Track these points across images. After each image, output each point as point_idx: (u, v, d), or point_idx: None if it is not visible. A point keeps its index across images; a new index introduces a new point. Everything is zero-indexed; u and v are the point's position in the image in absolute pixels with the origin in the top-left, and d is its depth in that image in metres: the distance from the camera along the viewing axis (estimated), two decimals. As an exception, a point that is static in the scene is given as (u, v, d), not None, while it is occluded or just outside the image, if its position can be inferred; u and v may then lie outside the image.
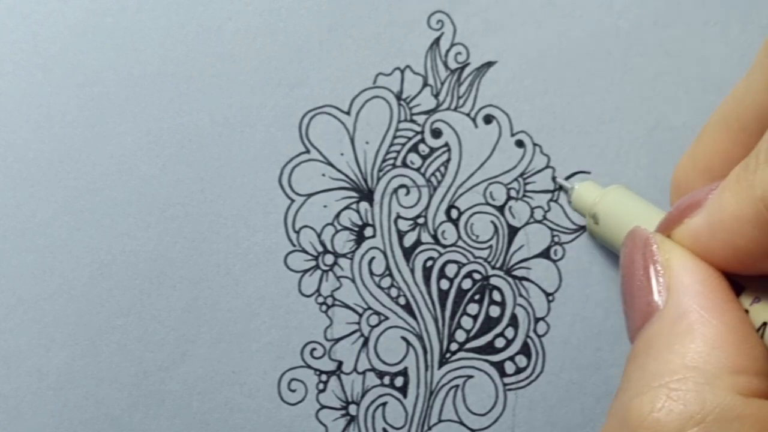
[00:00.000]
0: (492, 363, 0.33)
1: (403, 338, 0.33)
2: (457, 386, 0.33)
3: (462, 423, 0.33)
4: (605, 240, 0.31)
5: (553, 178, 0.33)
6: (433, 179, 0.33)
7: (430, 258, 0.33)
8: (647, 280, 0.24)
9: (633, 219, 0.27)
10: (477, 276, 0.33)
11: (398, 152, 0.33)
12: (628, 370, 0.24)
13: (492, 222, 0.33)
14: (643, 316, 0.24)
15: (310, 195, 0.33)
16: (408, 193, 0.33)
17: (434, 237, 0.33)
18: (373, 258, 0.33)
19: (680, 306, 0.23)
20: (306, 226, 0.33)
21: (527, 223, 0.33)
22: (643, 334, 0.24)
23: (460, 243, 0.33)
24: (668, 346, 0.23)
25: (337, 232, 0.33)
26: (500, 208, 0.33)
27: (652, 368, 0.23)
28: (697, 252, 0.24)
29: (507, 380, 0.33)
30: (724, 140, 0.27)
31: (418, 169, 0.33)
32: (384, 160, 0.33)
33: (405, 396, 0.33)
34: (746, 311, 0.24)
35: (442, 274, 0.33)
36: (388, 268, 0.33)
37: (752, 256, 0.23)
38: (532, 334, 0.33)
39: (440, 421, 0.33)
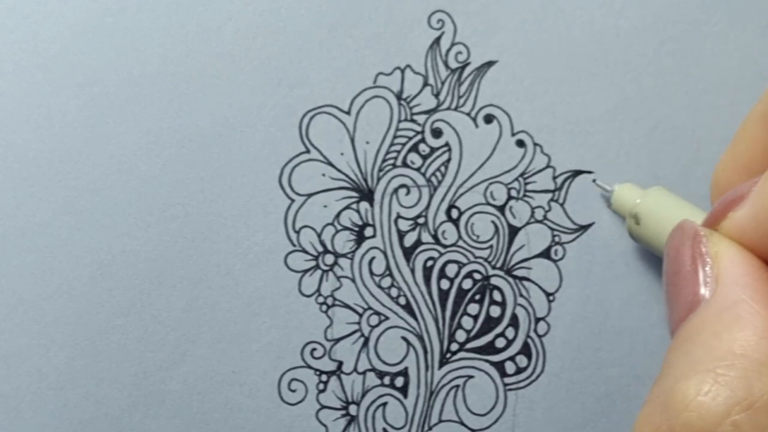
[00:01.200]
0: (492, 363, 0.33)
1: (404, 338, 0.33)
2: (457, 386, 0.33)
3: (462, 423, 0.33)
4: (646, 239, 0.31)
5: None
6: (433, 179, 0.33)
7: (431, 258, 0.33)
8: (694, 272, 0.24)
9: (675, 218, 0.27)
10: (477, 276, 0.33)
11: (398, 152, 0.33)
12: (669, 357, 0.23)
13: (492, 222, 0.33)
14: (689, 307, 0.24)
15: (310, 195, 0.33)
16: (408, 192, 0.33)
17: (435, 237, 0.33)
18: (373, 258, 0.33)
19: (729, 296, 0.23)
20: (306, 226, 0.33)
21: (528, 223, 0.33)
22: (687, 324, 0.24)
23: (460, 243, 0.33)
24: (716, 334, 0.23)
25: (337, 232, 0.33)
26: (501, 208, 0.33)
27: (698, 354, 0.23)
28: (744, 244, 0.24)
29: (507, 380, 0.33)
30: (764, 137, 0.27)
31: (418, 169, 0.33)
32: (384, 160, 0.33)
33: (405, 396, 0.33)
34: None
35: (442, 274, 0.33)
36: (388, 268, 0.33)
37: None
38: (532, 334, 0.33)
39: (440, 421, 0.33)
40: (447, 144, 0.33)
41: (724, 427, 0.21)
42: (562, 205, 0.33)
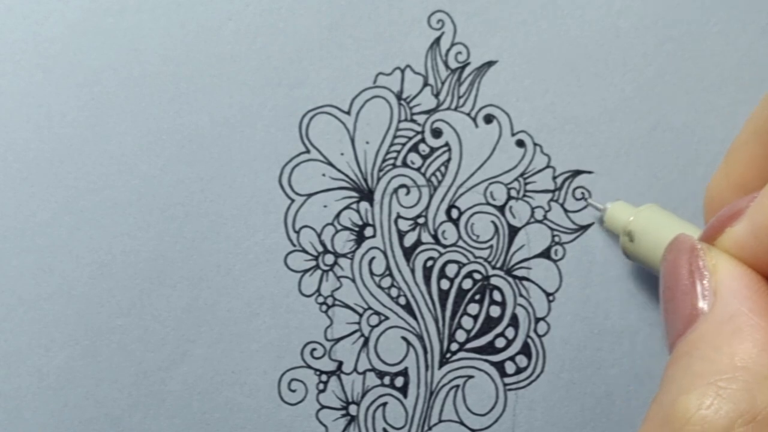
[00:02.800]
0: (492, 363, 0.33)
1: (404, 338, 0.33)
2: (457, 386, 0.33)
3: (462, 423, 0.33)
4: (641, 257, 0.31)
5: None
6: (433, 179, 0.33)
7: (431, 258, 0.33)
8: (692, 285, 0.24)
9: (670, 234, 0.27)
10: (477, 276, 0.33)
11: (398, 152, 0.33)
12: (669, 372, 0.23)
13: (492, 222, 0.33)
14: (687, 321, 0.24)
15: (310, 195, 0.33)
16: (408, 192, 0.33)
17: (434, 237, 0.33)
18: (373, 258, 0.33)
19: (728, 309, 0.23)
20: (306, 226, 0.33)
21: (528, 223, 0.33)
22: (686, 338, 0.24)
23: (460, 243, 0.33)
24: (716, 347, 0.23)
25: (337, 232, 0.33)
26: (501, 208, 0.33)
27: (698, 368, 0.22)
28: (742, 259, 0.24)
29: (507, 380, 0.33)
30: (757, 153, 0.28)
31: (418, 169, 0.33)
32: (384, 160, 0.33)
33: (405, 396, 0.33)
34: None
35: (442, 274, 0.33)
36: (388, 268, 0.33)
37: None
38: (532, 334, 0.33)
39: (440, 421, 0.33)
40: (447, 144, 0.33)
41: None
42: (562, 205, 0.33)
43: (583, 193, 0.33)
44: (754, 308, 0.23)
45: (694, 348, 0.23)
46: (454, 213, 0.33)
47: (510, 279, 0.33)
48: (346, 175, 0.33)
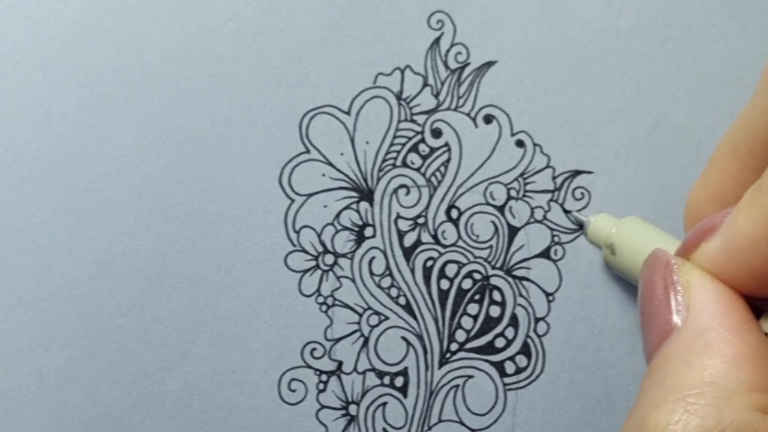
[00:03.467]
0: (492, 363, 0.33)
1: (403, 338, 0.33)
2: (457, 386, 0.33)
3: (462, 423, 0.33)
4: (622, 270, 0.31)
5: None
6: (433, 179, 0.33)
7: (431, 258, 0.33)
8: (667, 300, 0.25)
9: (650, 247, 0.27)
10: (477, 276, 0.33)
11: (398, 152, 0.33)
12: (643, 387, 0.24)
13: (492, 222, 0.33)
14: (661, 335, 0.24)
15: (310, 195, 0.33)
16: (408, 193, 0.33)
17: (434, 237, 0.33)
18: (373, 258, 0.33)
19: (699, 324, 0.24)
20: (306, 226, 0.33)
21: (527, 223, 0.33)
22: (660, 352, 0.24)
23: (460, 243, 0.33)
24: (686, 362, 0.23)
25: (337, 232, 0.33)
26: (500, 208, 0.33)
27: (669, 383, 0.23)
28: (716, 275, 0.25)
29: (507, 380, 0.33)
30: (734, 167, 0.28)
31: (418, 169, 0.33)
32: (384, 160, 0.33)
33: (405, 396, 0.33)
34: (766, 335, 0.24)
35: (442, 274, 0.33)
36: (388, 268, 0.33)
37: None
38: (532, 334, 0.33)
39: (440, 421, 0.33)
40: (447, 144, 0.33)
41: None
42: (561, 205, 0.33)
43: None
44: (725, 324, 0.23)
45: (666, 363, 0.24)
46: (454, 213, 0.33)
47: (510, 279, 0.33)
48: (346, 175, 0.33)
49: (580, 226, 0.33)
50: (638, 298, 0.26)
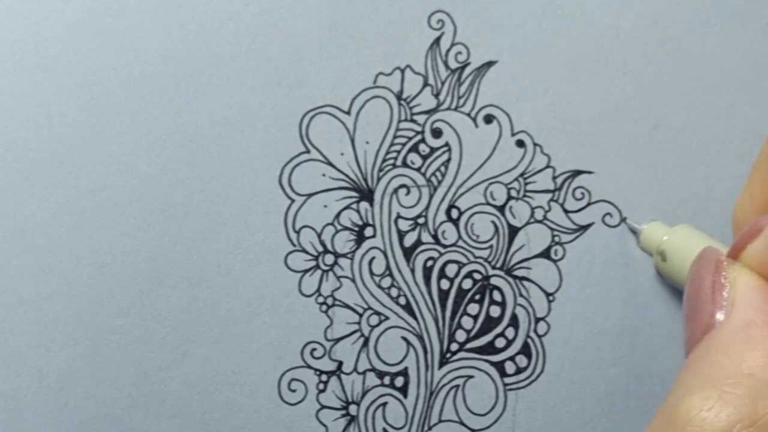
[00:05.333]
0: (492, 363, 0.33)
1: (404, 338, 0.33)
2: (457, 386, 0.33)
3: (462, 423, 0.33)
4: (672, 276, 0.31)
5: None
6: (433, 179, 0.33)
7: (431, 258, 0.33)
8: (713, 296, 0.25)
9: None
10: (477, 276, 0.33)
11: (398, 152, 0.33)
12: (681, 375, 0.24)
13: (492, 222, 0.33)
14: (705, 329, 0.25)
15: (310, 195, 0.33)
16: (408, 193, 0.33)
17: (434, 237, 0.33)
18: (373, 258, 0.33)
19: (743, 318, 0.24)
20: (306, 226, 0.33)
21: (528, 223, 0.33)
22: (701, 344, 0.24)
23: (460, 243, 0.33)
24: (726, 353, 0.23)
25: (337, 232, 0.33)
26: (501, 208, 0.33)
27: (706, 372, 0.23)
28: (761, 273, 0.25)
29: (507, 380, 0.33)
30: None
31: (418, 169, 0.33)
32: (384, 160, 0.33)
33: (405, 396, 0.33)
34: None
35: (442, 274, 0.33)
36: (388, 268, 0.33)
37: None
38: (532, 334, 0.33)
39: (440, 421, 0.33)
40: (447, 144, 0.33)
41: None
42: (562, 205, 0.33)
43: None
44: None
45: (706, 353, 0.24)
46: (454, 213, 0.33)
47: (510, 279, 0.33)
48: (346, 175, 0.33)
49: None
50: (684, 293, 0.26)
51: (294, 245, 0.33)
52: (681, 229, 0.32)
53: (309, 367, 0.33)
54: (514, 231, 0.33)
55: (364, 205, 0.33)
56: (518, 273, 0.33)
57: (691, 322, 0.25)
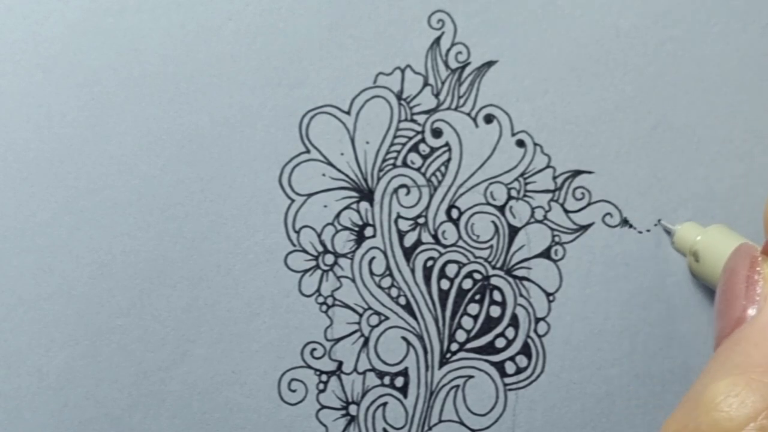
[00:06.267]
0: (492, 363, 0.33)
1: (404, 338, 0.33)
2: (457, 386, 0.33)
3: (462, 423, 0.33)
4: (705, 277, 0.31)
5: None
6: (433, 179, 0.33)
7: (431, 258, 0.33)
8: (746, 290, 0.25)
9: None
10: (477, 276, 0.33)
11: (399, 152, 0.33)
12: (709, 364, 0.24)
13: (492, 222, 0.33)
14: (736, 323, 0.25)
15: (310, 195, 0.33)
16: (408, 192, 0.33)
17: (435, 237, 0.33)
18: (373, 258, 0.33)
19: None
20: (306, 226, 0.33)
21: (528, 223, 0.33)
22: (731, 336, 0.25)
23: (460, 243, 0.33)
24: (756, 344, 0.24)
25: (337, 232, 0.33)
26: (501, 208, 0.33)
27: (735, 360, 0.23)
28: None
29: (507, 380, 0.33)
30: None
31: (418, 169, 0.33)
32: (384, 160, 0.33)
33: (405, 396, 0.33)
34: None
35: (442, 274, 0.33)
36: (388, 268, 0.33)
37: None
38: (532, 334, 0.33)
39: (441, 421, 0.33)
40: (447, 144, 0.33)
41: (749, 430, 0.22)
42: (562, 205, 0.33)
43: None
44: None
45: (735, 344, 0.24)
46: (454, 213, 0.33)
47: (510, 279, 0.33)
48: (346, 175, 0.33)
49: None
50: (718, 287, 0.27)
51: (294, 245, 0.33)
52: (714, 230, 0.32)
53: (309, 367, 0.33)
54: (514, 231, 0.33)
55: (364, 205, 0.33)
56: (518, 273, 0.33)
57: (723, 316, 0.26)
